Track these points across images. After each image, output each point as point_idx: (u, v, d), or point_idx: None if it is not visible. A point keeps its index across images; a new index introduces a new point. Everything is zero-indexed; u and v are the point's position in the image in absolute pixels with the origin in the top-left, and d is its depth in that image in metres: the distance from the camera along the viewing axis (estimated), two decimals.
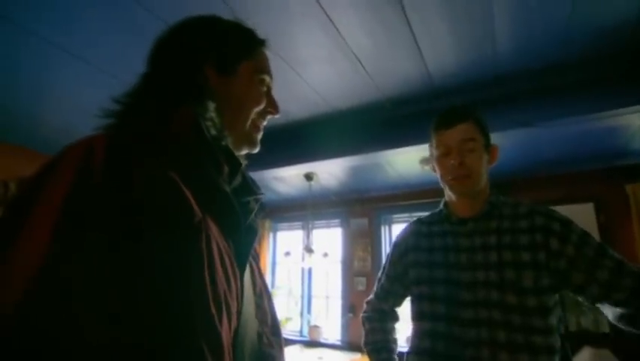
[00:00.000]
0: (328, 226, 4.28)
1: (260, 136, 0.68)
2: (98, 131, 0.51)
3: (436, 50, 1.74)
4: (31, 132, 2.60)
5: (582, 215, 2.91)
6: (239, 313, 0.50)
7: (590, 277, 0.88)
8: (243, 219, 0.55)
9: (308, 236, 3.60)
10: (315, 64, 1.86)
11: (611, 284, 0.86)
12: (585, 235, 0.92)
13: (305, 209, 3.82)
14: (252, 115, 0.64)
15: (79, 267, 0.36)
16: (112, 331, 0.35)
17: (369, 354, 1.18)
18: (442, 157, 1.04)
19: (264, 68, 0.67)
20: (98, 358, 0.34)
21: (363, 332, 1.23)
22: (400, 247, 1.18)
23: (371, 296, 1.26)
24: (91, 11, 1.45)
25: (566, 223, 0.94)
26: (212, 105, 0.56)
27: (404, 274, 1.14)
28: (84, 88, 1.99)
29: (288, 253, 3.87)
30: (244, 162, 0.67)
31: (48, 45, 1.63)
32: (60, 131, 2.56)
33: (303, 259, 3.50)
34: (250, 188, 0.60)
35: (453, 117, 1.02)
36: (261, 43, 0.69)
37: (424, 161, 2.76)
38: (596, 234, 2.85)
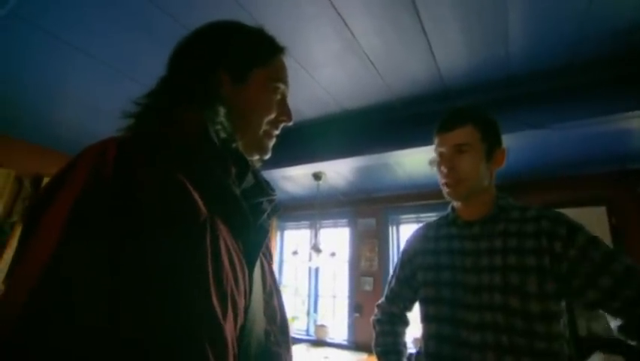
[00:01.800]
0: (336, 226, 4.28)
1: (272, 143, 0.68)
2: (118, 131, 0.53)
3: (448, 50, 1.72)
4: (42, 129, 2.64)
5: (594, 218, 2.87)
6: (246, 310, 0.50)
7: (591, 281, 0.84)
8: (254, 220, 0.56)
9: (315, 235, 3.60)
10: (326, 64, 1.86)
11: (611, 292, 0.83)
12: (594, 239, 0.88)
13: (313, 208, 3.83)
14: (264, 123, 0.64)
15: (82, 265, 0.36)
16: (115, 328, 0.35)
17: (379, 356, 1.18)
18: (438, 161, 1.05)
19: (279, 77, 0.67)
20: (100, 355, 0.34)
21: (373, 335, 1.23)
22: (409, 251, 1.19)
23: (382, 300, 1.26)
24: (99, 7, 1.47)
25: (574, 227, 0.90)
26: (222, 110, 0.57)
27: (412, 278, 1.14)
28: (93, 85, 2.02)
29: (295, 252, 3.87)
30: (257, 164, 0.67)
31: (55, 40, 1.65)
32: (71, 128, 2.59)
33: (310, 258, 3.51)
34: (263, 189, 0.60)
35: (450, 121, 1.02)
36: (279, 50, 0.68)
37: (433, 162, 2.74)
38: (608, 237, 2.81)
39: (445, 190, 1.04)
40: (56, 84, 2.02)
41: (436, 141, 1.06)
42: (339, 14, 1.50)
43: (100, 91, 2.08)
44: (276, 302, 0.61)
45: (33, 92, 2.10)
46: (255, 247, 0.56)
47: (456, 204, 1.09)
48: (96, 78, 1.95)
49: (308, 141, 2.66)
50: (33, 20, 1.53)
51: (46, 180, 2.87)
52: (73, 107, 2.29)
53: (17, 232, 2.69)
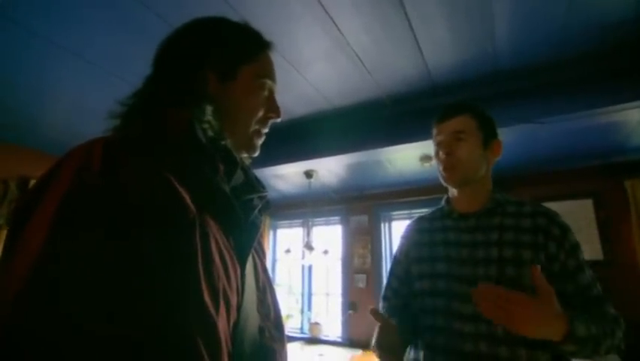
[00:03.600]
0: (328, 223, 4.29)
1: (261, 141, 0.68)
2: (105, 132, 0.52)
3: (436, 47, 1.74)
4: (31, 131, 2.59)
5: (581, 211, 2.92)
6: (239, 307, 0.50)
7: (562, 284, 0.90)
8: (244, 216, 0.56)
9: (308, 233, 3.61)
10: (315, 61, 1.86)
11: (570, 298, 0.90)
12: (577, 246, 0.95)
13: (305, 206, 3.83)
14: (253, 121, 0.64)
15: (68, 265, 0.36)
16: (104, 326, 0.35)
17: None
18: (436, 149, 1.09)
19: (265, 73, 0.66)
20: (89, 353, 0.34)
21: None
22: (403, 246, 1.19)
23: (381, 303, 1.21)
24: (91, 10, 1.45)
25: (565, 230, 0.95)
26: (209, 108, 0.57)
27: (408, 272, 1.14)
28: (84, 87, 1.99)
29: (288, 251, 3.88)
30: (247, 161, 0.67)
31: (48, 44, 1.63)
32: (60, 130, 2.56)
33: (303, 256, 3.51)
34: (253, 185, 0.60)
35: (448, 111, 1.07)
36: (265, 46, 0.68)
37: (424, 158, 2.77)
38: (595, 229, 2.87)
39: (442, 176, 1.07)
40: (45, 85, 1.99)
41: (434, 131, 1.09)
42: (327, 13, 1.50)
43: (89, 92, 2.05)
44: (269, 299, 0.61)
45: (21, 93, 2.06)
46: (247, 244, 0.56)
47: (452, 194, 1.10)
48: (85, 79, 1.92)
49: (299, 138, 2.66)
50: (22, 21, 1.50)
51: (33, 182, 2.82)
52: (62, 108, 2.26)
53: (3, 234, 2.65)
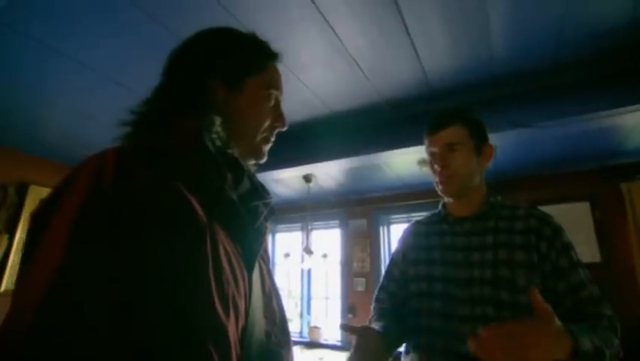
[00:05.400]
0: (327, 227, 4.29)
1: (268, 147, 0.69)
2: (114, 140, 0.54)
3: (433, 52, 1.76)
4: (29, 136, 2.59)
5: (578, 214, 2.94)
6: (247, 312, 0.51)
7: (554, 283, 0.92)
8: (251, 223, 0.57)
9: (307, 237, 3.61)
10: (313, 66, 1.87)
11: (562, 297, 0.91)
12: (569, 246, 0.95)
13: (304, 210, 3.84)
14: (260, 130, 0.66)
15: (87, 273, 0.37)
16: (120, 330, 0.36)
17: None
18: (430, 160, 1.09)
19: (272, 83, 0.68)
20: (106, 356, 0.35)
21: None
22: (400, 249, 1.20)
23: (373, 304, 1.23)
24: (89, 15, 1.46)
25: (557, 230, 0.97)
26: (218, 119, 0.58)
27: (404, 274, 1.15)
28: (82, 92, 2.00)
29: (287, 255, 3.88)
30: (252, 168, 0.68)
31: (47, 49, 1.63)
32: (59, 135, 2.56)
33: (302, 260, 3.51)
34: (259, 193, 0.61)
35: (438, 122, 1.07)
36: (272, 57, 0.69)
37: (422, 162, 2.79)
38: (592, 232, 2.89)
39: (439, 188, 1.07)
40: (43, 90, 1.99)
41: (426, 142, 1.10)
42: (324, 17, 1.52)
43: (88, 97, 2.05)
44: (275, 303, 0.62)
45: (19, 97, 2.06)
46: (254, 250, 0.57)
47: (447, 201, 1.12)
48: (84, 84, 1.92)
49: (298, 143, 2.67)
50: (20, 26, 1.50)
51: (32, 187, 2.82)
52: (61, 113, 2.26)
53: (2, 239, 2.64)
